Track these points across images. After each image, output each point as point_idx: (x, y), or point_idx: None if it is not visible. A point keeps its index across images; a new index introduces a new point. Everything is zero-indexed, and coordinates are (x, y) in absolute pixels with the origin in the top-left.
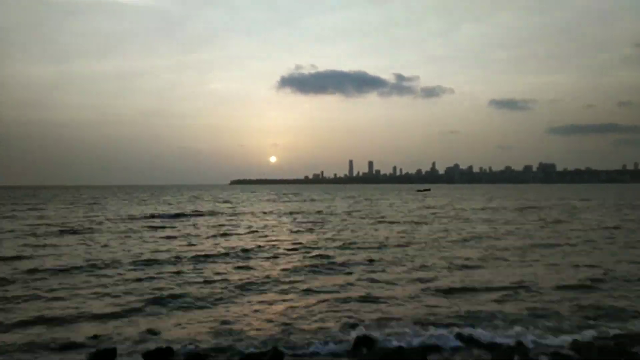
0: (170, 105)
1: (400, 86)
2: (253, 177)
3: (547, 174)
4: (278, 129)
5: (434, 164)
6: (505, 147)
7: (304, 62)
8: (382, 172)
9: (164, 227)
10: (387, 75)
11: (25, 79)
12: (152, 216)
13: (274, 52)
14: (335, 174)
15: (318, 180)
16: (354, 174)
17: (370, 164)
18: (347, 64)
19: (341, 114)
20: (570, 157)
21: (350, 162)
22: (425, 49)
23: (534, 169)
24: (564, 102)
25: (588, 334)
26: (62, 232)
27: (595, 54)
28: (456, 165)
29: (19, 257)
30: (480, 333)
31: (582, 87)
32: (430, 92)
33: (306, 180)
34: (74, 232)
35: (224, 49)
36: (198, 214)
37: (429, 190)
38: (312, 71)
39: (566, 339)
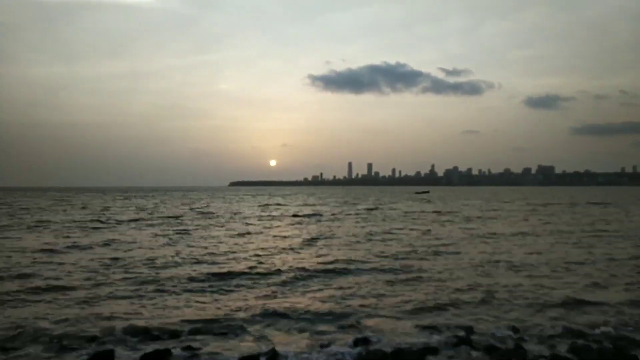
0: (178, 106)
1: (423, 82)
2: (254, 179)
3: (546, 177)
4: (288, 130)
5: (433, 166)
6: (523, 148)
7: (322, 61)
8: (381, 174)
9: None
10: (414, 71)
11: (32, 79)
12: None
13: (289, 51)
14: (334, 176)
15: (317, 182)
16: (353, 175)
17: (370, 165)
18: (366, 61)
19: (357, 114)
20: (587, 159)
21: (350, 164)
22: (448, 46)
23: (533, 171)
24: (601, 101)
25: (587, 337)
26: None
27: (629, 51)
28: (455, 168)
29: None
30: (479, 335)
31: (617, 84)
32: (465, 89)
33: (305, 182)
34: None
35: (236, 49)
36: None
37: (427, 192)
38: (336, 69)
39: (565, 341)
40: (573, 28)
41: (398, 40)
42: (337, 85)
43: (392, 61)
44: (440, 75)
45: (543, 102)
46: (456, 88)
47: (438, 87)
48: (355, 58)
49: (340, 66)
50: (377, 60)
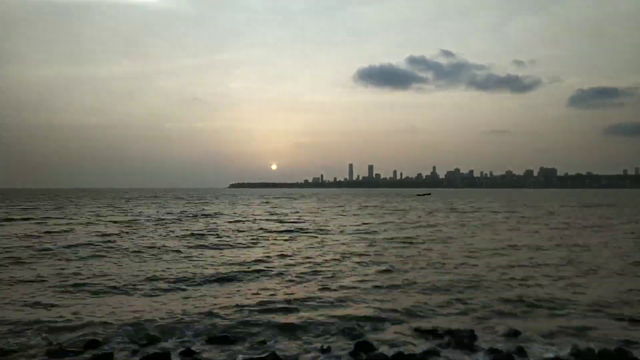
0: (184, 107)
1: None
2: (255, 181)
3: (547, 179)
4: (293, 131)
5: (434, 168)
6: (545, 150)
7: (342, 58)
8: (382, 176)
9: None
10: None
11: (38, 80)
12: None
13: (307, 48)
14: (335, 178)
15: (318, 184)
16: (354, 177)
17: (371, 167)
18: (390, 58)
19: (370, 114)
20: (617, 160)
21: (350, 165)
22: (474, 41)
23: (535, 173)
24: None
25: (589, 339)
26: None
27: None
28: (457, 170)
29: None
30: (481, 339)
31: None
32: (505, 86)
33: (306, 184)
34: None
35: (251, 47)
36: None
37: (429, 194)
38: (356, 67)
39: (567, 344)
40: (608, 23)
41: (425, 36)
42: (354, 83)
43: (418, 57)
44: (477, 73)
45: (587, 101)
46: (496, 85)
47: (476, 84)
48: (379, 55)
49: (361, 63)
50: (402, 57)
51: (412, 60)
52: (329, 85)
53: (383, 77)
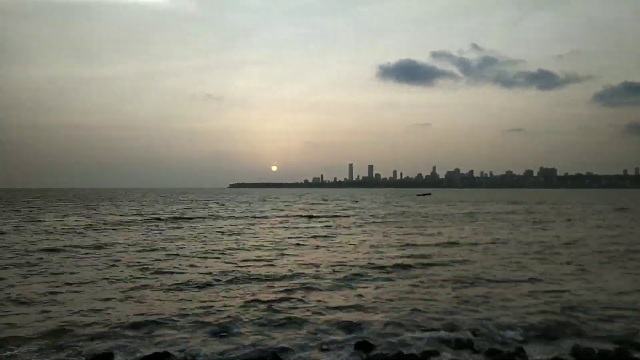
0: (187, 107)
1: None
2: (255, 181)
3: (547, 179)
4: (295, 131)
5: (434, 168)
6: (555, 150)
7: (351, 57)
8: (382, 177)
9: None
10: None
11: (42, 80)
12: None
13: (317, 46)
14: (335, 178)
15: (318, 184)
16: (354, 177)
17: (370, 167)
18: (400, 56)
19: (372, 114)
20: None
21: (350, 165)
22: (492, 38)
23: (535, 173)
24: None
25: (589, 339)
26: None
27: None
28: (457, 170)
29: None
30: (480, 338)
31: None
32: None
33: (306, 185)
34: None
35: (259, 46)
36: None
37: (429, 194)
38: (364, 65)
39: (567, 344)
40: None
41: (442, 33)
42: (370, 82)
43: (434, 55)
44: (505, 69)
45: (614, 98)
46: (521, 82)
47: (501, 80)
48: (391, 53)
49: (376, 61)
50: (415, 55)
51: (436, 55)
52: (337, 85)
53: (405, 73)
